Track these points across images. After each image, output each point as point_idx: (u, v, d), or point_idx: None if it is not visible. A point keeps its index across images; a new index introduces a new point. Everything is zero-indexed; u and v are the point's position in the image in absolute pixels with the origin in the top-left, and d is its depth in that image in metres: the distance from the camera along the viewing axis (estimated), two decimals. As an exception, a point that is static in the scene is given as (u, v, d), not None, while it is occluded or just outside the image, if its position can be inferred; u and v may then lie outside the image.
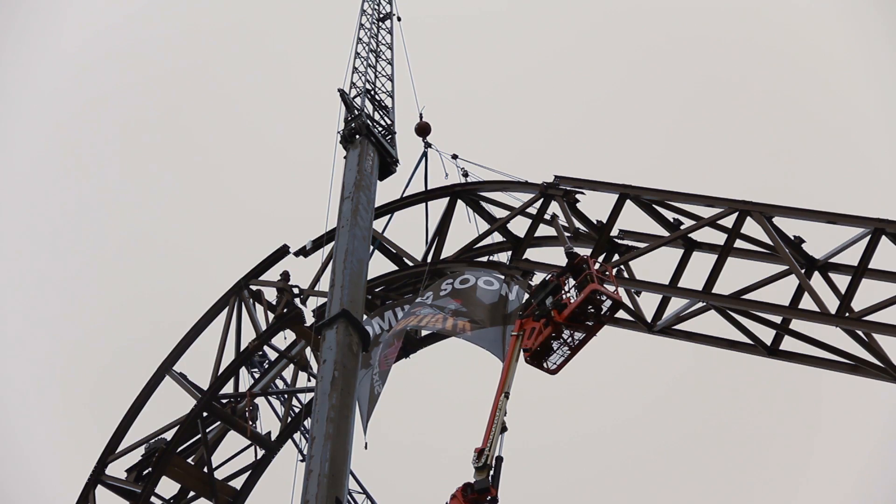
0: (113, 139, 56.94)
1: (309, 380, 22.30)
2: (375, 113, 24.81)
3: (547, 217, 21.14)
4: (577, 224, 20.58)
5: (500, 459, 14.46)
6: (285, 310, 22.42)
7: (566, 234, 20.39)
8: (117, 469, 22.36)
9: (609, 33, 61.29)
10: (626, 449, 48.27)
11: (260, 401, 22.98)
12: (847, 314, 16.84)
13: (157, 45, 58.78)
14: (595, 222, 20.47)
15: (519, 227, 21.90)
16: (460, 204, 22.66)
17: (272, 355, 24.06)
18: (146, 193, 57.30)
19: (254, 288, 23.28)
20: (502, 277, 19.16)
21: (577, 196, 20.73)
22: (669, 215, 19.80)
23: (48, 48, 49.34)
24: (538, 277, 20.84)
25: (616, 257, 20.12)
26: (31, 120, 49.94)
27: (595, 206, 20.59)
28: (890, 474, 34.88)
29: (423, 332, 21.45)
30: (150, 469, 21.68)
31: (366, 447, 16.55)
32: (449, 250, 22.38)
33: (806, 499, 42.02)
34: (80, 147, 55.40)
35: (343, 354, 17.40)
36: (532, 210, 21.37)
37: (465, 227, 22.54)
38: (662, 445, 48.32)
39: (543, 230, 21.53)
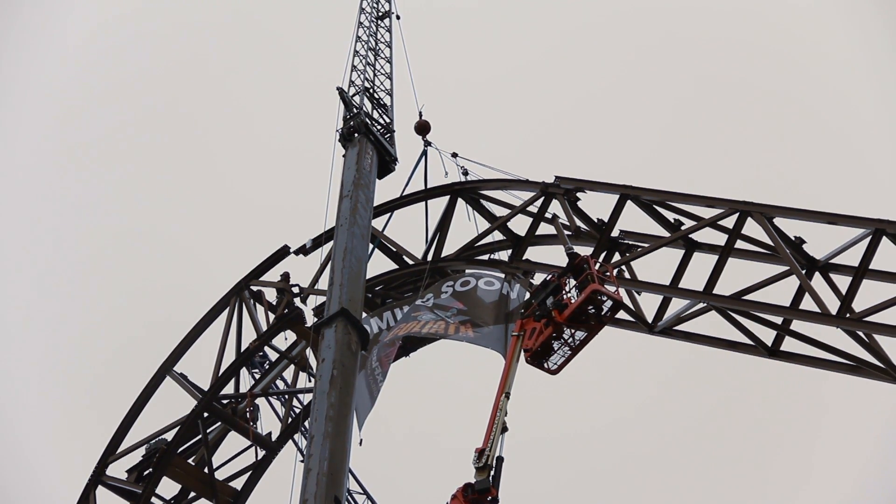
0: (113, 136, 56.94)
1: (309, 380, 22.30)
2: (374, 111, 24.81)
3: (548, 216, 21.15)
4: (578, 222, 20.59)
5: (500, 459, 14.47)
6: (286, 310, 22.44)
7: (567, 233, 20.39)
8: (118, 469, 22.40)
9: (608, 30, 61.33)
10: (622, 447, 48.29)
11: (260, 401, 22.98)
12: (848, 315, 16.84)
13: (157, 44, 58.84)
14: (596, 221, 20.48)
15: (519, 225, 21.95)
16: (460, 202, 22.66)
17: (273, 356, 24.06)
18: (146, 191, 57.36)
19: (254, 288, 23.31)
20: (503, 277, 19.16)
21: (578, 194, 20.74)
22: (670, 216, 19.80)
23: (50, 44, 49.38)
24: (538, 276, 20.93)
25: (617, 257, 20.13)
26: (32, 116, 49.97)
27: (595, 205, 20.64)
28: (890, 474, 34.89)
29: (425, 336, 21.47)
30: (150, 469, 21.68)
31: (360, 443, 16.57)
32: (449, 249, 22.39)
33: (806, 498, 42.04)
34: (81, 144, 55.40)
35: (342, 353, 17.38)
36: (532, 208, 21.38)
37: (466, 226, 22.57)
38: (660, 443, 48.36)
39: (544, 228, 21.54)
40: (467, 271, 20.43)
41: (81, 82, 54.95)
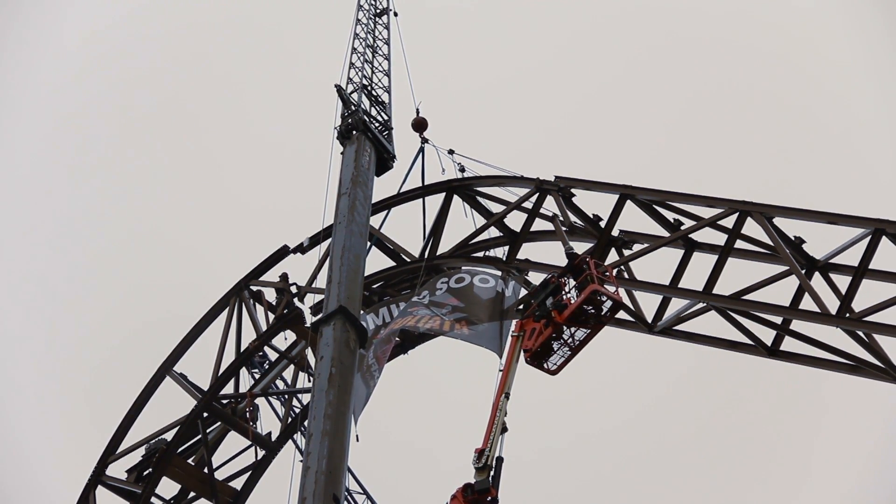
0: (112, 137, 56.99)
1: (309, 380, 22.27)
2: (372, 108, 24.72)
3: (546, 214, 21.16)
4: (574, 218, 20.59)
5: (500, 460, 14.46)
6: (285, 310, 22.44)
7: (563, 228, 20.40)
8: (118, 469, 22.41)
9: (609, 31, 61.31)
10: (626, 450, 48.29)
11: (260, 401, 22.96)
12: (847, 315, 16.83)
13: (155, 44, 58.82)
14: (592, 216, 20.49)
15: (516, 222, 21.94)
16: (457, 199, 22.66)
17: (272, 356, 24.05)
18: (145, 191, 57.37)
19: (254, 288, 23.31)
20: (499, 274, 19.10)
21: (573, 190, 20.73)
22: (670, 216, 19.78)
23: (49, 45, 49.39)
24: (533, 274, 20.96)
25: (616, 257, 20.12)
26: (31, 118, 49.98)
27: (595, 205, 20.64)
28: (890, 474, 34.87)
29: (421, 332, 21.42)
30: (150, 469, 21.70)
31: (357, 439, 16.52)
32: (446, 245, 22.40)
33: (806, 499, 42.04)
34: (80, 145, 55.43)
35: (340, 351, 17.28)
36: (528, 205, 21.38)
37: (464, 223, 22.58)
38: (663, 446, 48.35)
39: (540, 225, 21.53)
40: (463, 268, 20.42)
41: (80, 82, 54.99)
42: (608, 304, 15.78)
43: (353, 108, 23.69)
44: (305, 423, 22.30)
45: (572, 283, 16.16)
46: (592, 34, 61.18)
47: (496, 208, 22.25)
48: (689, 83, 58.10)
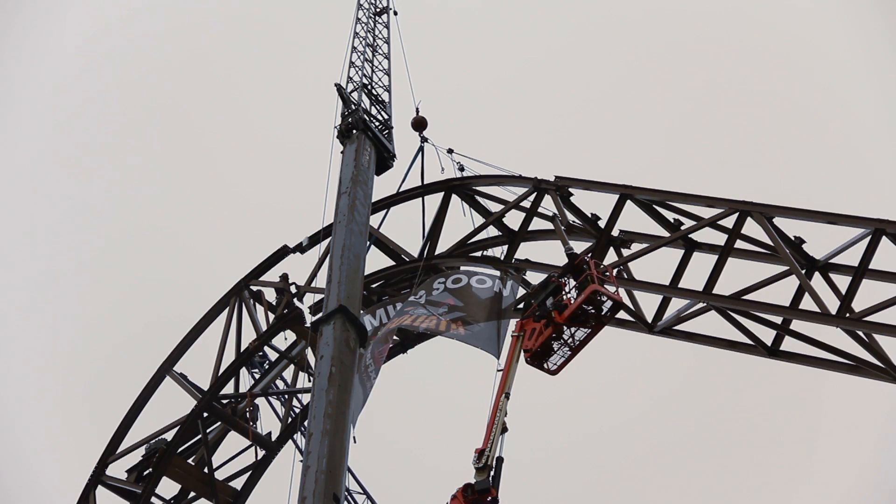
0: (113, 136, 57.00)
1: (309, 380, 22.28)
2: (372, 107, 24.70)
3: (546, 213, 21.16)
4: (571, 218, 20.59)
5: (500, 460, 14.48)
6: (285, 310, 22.44)
7: (562, 228, 20.39)
8: (118, 469, 22.42)
9: (610, 31, 61.31)
10: (626, 450, 48.30)
11: (260, 401, 22.98)
12: (847, 315, 16.81)
13: (155, 44, 58.82)
14: (590, 216, 20.49)
15: (515, 221, 21.95)
16: (456, 198, 22.65)
17: (272, 356, 24.05)
18: (145, 191, 57.37)
19: (254, 288, 23.31)
20: (496, 275, 19.08)
21: (571, 190, 20.73)
22: (670, 216, 19.78)
23: (49, 44, 49.40)
24: (532, 273, 20.97)
25: (616, 257, 20.12)
26: (31, 115, 50.01)
27: (596, 205, 20.64)
28: (890, 474, 34.88)
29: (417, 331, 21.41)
30: (150, 469, 21.72)
31: (354, 441, 16.51)
32: (445, 245, 22.39)
33: (806, 499, 42.03)
34: (79, 143, 55.43)
35: (340, 350, 17.25)
36: (526, 204, 21.39)
37: (462, 222, 22.59)
38: (663, 446, 48.34)
39: (539, 224, 21.54)
40: (461, 269, 20.42)
41: (80, 82, 55.00)
42: (608, 304, 15.79)
43: (353, 107, 23.68)
44: (305, 423, 22.31)
45: (572, 283, 16.17)
46: (592, 34, 61.22)
47: (495, 208, 22.26)
48: (690, 83, 58.13)
